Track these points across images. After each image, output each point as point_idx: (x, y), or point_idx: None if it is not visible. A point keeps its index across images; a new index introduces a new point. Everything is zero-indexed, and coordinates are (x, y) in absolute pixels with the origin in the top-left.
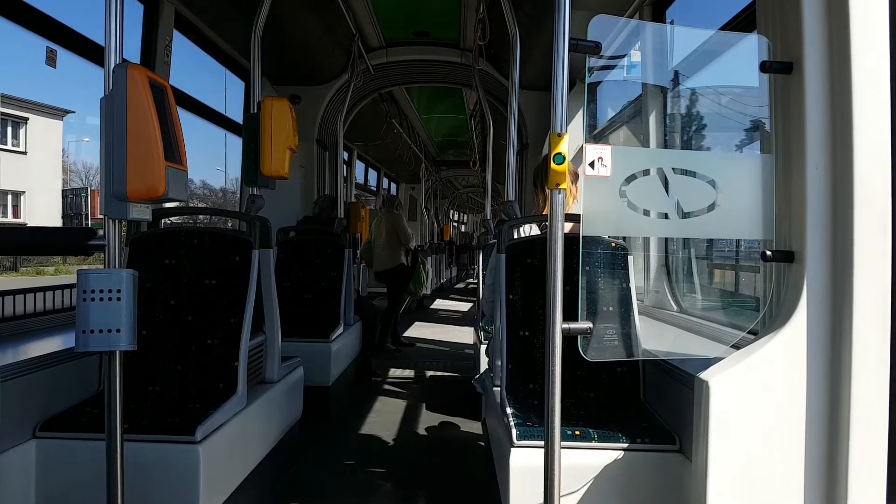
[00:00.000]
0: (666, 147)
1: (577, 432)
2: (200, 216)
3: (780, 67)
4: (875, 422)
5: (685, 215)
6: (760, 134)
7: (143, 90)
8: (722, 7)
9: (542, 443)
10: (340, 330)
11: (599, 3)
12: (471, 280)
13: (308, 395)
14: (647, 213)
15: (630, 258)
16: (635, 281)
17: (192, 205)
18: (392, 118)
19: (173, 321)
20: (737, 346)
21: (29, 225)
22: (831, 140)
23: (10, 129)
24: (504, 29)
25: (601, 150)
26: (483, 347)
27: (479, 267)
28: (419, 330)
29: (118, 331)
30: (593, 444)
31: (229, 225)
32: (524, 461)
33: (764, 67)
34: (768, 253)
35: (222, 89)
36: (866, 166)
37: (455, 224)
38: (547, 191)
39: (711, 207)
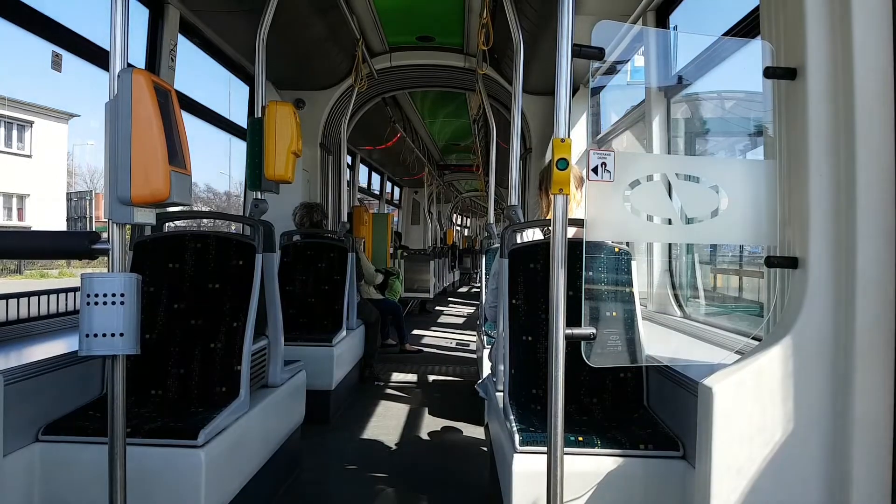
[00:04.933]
0: (669, 152)
1: (581, 438)
2: (204, 220)
3: (784, 73)
4: (879, 428)
5: (689, 221)
6: (764, 139)
7: (147, 94)
8: (725, 12)
9: (544, 448)
10: (343, 334)
11: (603, 9)
12: (474, 284)
13: (310, 399)
14: (650, 218)
15: (633, 263)
16: (639, 286)
17: (195, 209)
18: (396, 122)
19: (176, 325)
20: (741, 352)
21: (33, 228)
22: (835, 145)
23: (15, 133)
24: (508, 34)
25: (604, 156)
26: (486, 352)
27: (482, 271)
28: (422, 334)
29: (121, 335)
30: (596, 450)
31: (233, 229)
32: (527, 467)
33: (768, 73)
34: (772, 259)
35: (227, 94)
36: (870, 172)
37: (458, 228)
38: (551, 195)
39: (715, 213)
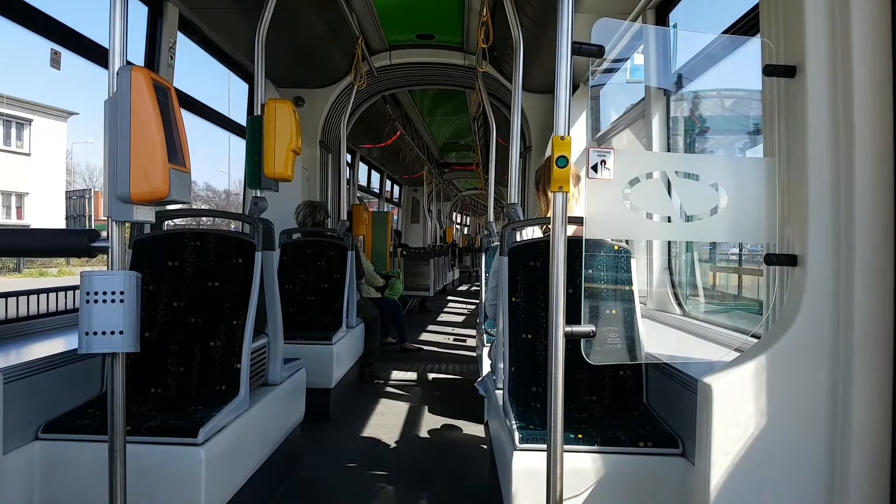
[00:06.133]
0: (669, 150)
1: (580, 436)
2: (203, 218)
3: (784, 71)
4: (879, 426)
5: (688, 218)
6: (763, 137)
7: (146, 92)
8: (725, 10)
9: (544, 446)
10: (342, 332)
11: (603, 7)
12: (474, 283)
13: (310, 398)
14: (650, 216)
15: (633, 261)
16: (638, 284)
17: (195, 207)
18: (395, 120)
19: (176, 323)
20: (740, 350)
21: (32, 226)
22: (834, 143)
23: (14, 131)
24: (507, 32)
25: (604, 153)
26: (485, 350)
27: (481, 269)
28: (422, 332)
29: (121, 333)
30: (596, 447)
31: (232, 227)
32: (526, 465)
33: (767, 70)
34: (771, 256)
35: (226, 91)
36: (869, 169)
37: (458, 226)
38: (549, 193)
39: (714, 211)
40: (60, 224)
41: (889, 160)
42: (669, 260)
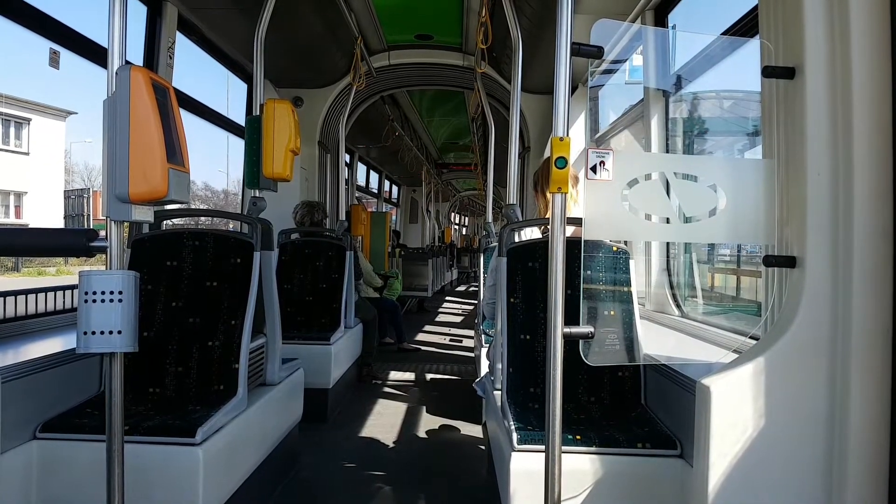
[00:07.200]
0: (668, 151)
1: (578, 437)
2: (202, 218)
3: (783, 72)
4: (877, 427)
5: (687, 220)
6: (762, 138)
7: (145, 92)
8: (724, 12)
9: (542, 447)
10: (341, 332)
11: (602, 7)
12: (472, 283)
13: (308, 398)
14: (648, 217)
15: (631, 262)
16: (637, 285)
17: (193, 206)
18: (394, 121)
19: (174, 323)
20: (738, 351)
21: (31, 226)
22: (833, 145)
23: (13, 130)
24: (506, 32)
25: (603, 154)
26: (484, 350)
27: (480, 270)
28: (420, 333)
29: (119, 332)
30: (594, 448)
31: (231, 227)
32: (525, 465)
33: (766, 72)
34: (770, 258)
35: (225, 91)
36: (868, 171)
37: (456, 227)
38: (548, 194)
39: (713, 212)
40: (59, 223)
41: (888, 162)
42: (668, 261)
